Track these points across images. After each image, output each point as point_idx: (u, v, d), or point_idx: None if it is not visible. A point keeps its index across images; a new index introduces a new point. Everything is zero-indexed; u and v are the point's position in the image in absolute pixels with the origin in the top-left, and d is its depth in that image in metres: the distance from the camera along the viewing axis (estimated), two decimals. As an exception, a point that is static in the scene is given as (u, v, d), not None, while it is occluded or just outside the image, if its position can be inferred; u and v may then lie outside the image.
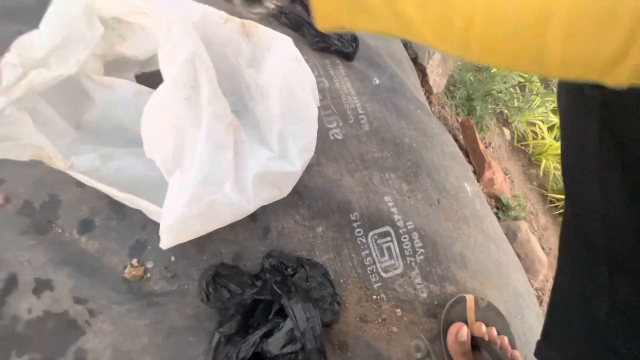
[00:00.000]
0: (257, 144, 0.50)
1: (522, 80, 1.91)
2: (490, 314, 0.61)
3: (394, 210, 0.64)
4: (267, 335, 0.45)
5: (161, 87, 0.43)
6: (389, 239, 0.62)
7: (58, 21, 0.43)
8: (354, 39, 0.75)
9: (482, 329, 0.56)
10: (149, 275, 0.49)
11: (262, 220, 0.57)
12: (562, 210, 1.85)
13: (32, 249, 0.48)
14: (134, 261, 0.49)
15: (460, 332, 0.56)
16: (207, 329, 0.47)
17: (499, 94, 1.67)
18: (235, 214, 0.48)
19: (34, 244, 0.48)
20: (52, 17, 0.43)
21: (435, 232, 0.66)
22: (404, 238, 0.63)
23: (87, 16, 0.44)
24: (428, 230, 0.65)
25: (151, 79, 0.56)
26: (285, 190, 0.53)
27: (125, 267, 0.49)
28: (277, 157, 0.50)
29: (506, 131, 1.93)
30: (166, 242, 0.45)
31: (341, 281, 0.58)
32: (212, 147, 0.44)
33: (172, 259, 0.51)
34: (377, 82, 0.74)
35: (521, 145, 1.94)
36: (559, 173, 1.86)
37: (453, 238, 0.67)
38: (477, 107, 1.62)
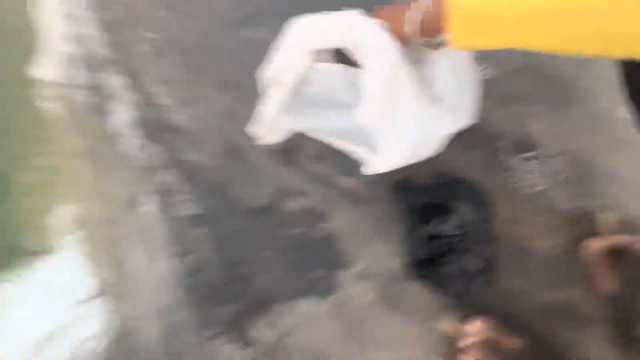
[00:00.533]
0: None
1: None
2: (628, 227, 0.69)
3: (543, 135, 0.74)
4: (441, 223, 0.68)
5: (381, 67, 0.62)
6: (537, 161, 0.75)
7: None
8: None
9: (618, 238, 0.66)
10: (357, 188, 0.78)
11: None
12: None
13: (293, 173, 0.82)
14: (348, 179, 0.79)
15: (595, 244, 0.67)
16: (396, 219, 0.74)
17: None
18: (427, 155, 0.67)
19: (293, 170, 0.82)
20: None
21: (584, 153, 0.74)
22: (553, 159, 0.74)
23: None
24: (579, 151, 0.74)
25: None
26: None
27: (343, 182, 0.79)
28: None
29: None
30: (370, 171, 0.70)
31: (491, 195, 0.75)
32: (416, 115, 0.62)
33: (369, 178, 0.78)
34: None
35: None
36: None
37: (605, 159, 0.74)
38: None
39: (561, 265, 0.70)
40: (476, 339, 0.64)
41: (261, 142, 0.74)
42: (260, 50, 0.95)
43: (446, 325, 0.69)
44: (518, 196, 0.75)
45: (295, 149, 0.83)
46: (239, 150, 0.90)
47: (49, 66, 1.49)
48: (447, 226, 0.67)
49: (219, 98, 0.96)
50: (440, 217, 0.68)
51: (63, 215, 1.45)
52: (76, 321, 1.36)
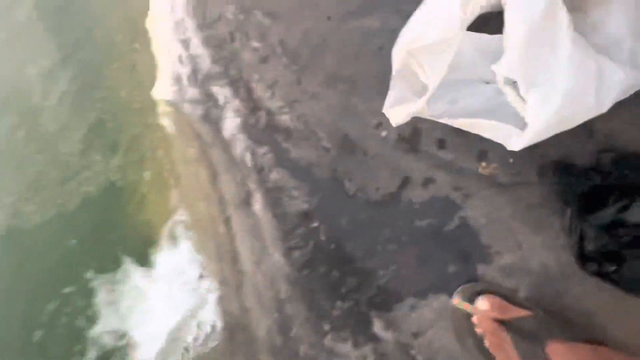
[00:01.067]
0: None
1: None
2: None
3: None
4: (623, 210, 0.56)
5: (528, 19, 0.55)
6: None
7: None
8: None
9: None
10: (497, 172, 0.70)
11: (587, 123, 0.66)
12: None
13: (416, 161, 0.77)
14: (484, 164, 0.71)
15: None
16: (556, 208, 0.64)
17: None
18: (592, 115, 0.55)
19: (415, 157, 0.77)
20: None
21: None
22: None
23: None
24: None
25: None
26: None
27: (477, 167, 0.71)
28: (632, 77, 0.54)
29: None
30: (522, 145, 0.60)
31: (686, 171, 0.60)
32: (573, 66, 0.52)
33: (511, 160, 0.69)
34: None
35: None
36: None
37: None
38: None
39: None
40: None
41: (394, 123, 0.70)
42: (365, 40, 0.94)
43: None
44: None
45: (418, 135, 0.78)
46: (353, 143, 0.89)
47: (168, 87, 1.71)
48: (634, 212, 0.55)
49: (326, 94, 0.96)
50: (621, 202, 0.56)
51: (183, 216, 1.63)
52: (195, 312, 1.51)
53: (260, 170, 1.21)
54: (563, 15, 0.52)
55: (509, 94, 0.63)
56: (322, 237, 0.97)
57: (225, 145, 1.42)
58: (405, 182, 0.78)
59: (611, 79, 0.52)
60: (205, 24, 1.49)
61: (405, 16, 0.85)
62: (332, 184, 0.96)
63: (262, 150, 1.20)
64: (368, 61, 0.86)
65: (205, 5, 1.44)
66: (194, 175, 1.66)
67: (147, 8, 1.87)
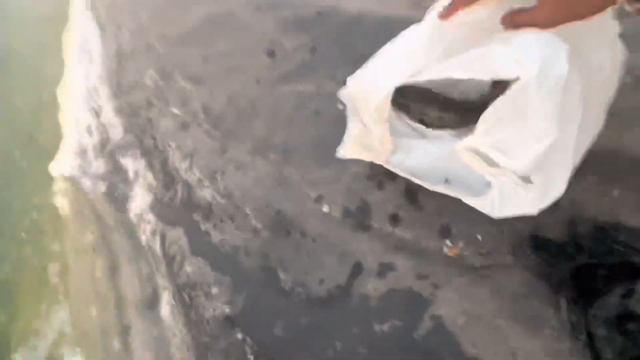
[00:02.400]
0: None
1: None
2: None
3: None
4: (626, 296, 0.44)
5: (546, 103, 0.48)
6: None
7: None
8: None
9: None
10: (465, 253, 0.56)
11: (550, 192, 0.58)
12: None
13: (368, 241, 0.61)
14: (447, 242, 0.57)
15: None
16: (543, 294, 0.50)
17: None
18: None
19: (367, 237, 0.62)
20: None
21: None
22: None
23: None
24: None
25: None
26: None
27: (442, 248, 0.57)
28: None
29: None
30: (502, 214, 0.50)
31: (664, 242, 0.53)
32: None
33: (479, 237, 0.57)
34: None
35: None
36: None
37: None
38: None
39: None
40: None
41: (341, 154, 0.59)
42: (299, 105, 0.84)
43: None
44: None
45: (367, 209, 0.64)
46: (288, 222, 0.71)
47: (70, 161, 1.41)
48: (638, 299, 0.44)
49: (255, 164, 0.81)
50: (621, 286, 0.46)
51: (65, 322, 1.19)
52: None
53: (171, 260, 0.94)
54: (576, 89, 0.47)
55: (468, 158, 0.55)
56: (249, 354, 0.70)
57: (131, 229, 1.12)
58: (357, 270, 0.61)
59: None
60: (120, 91, 1.31)
61: (341, 81, 0.79)
62: (262, 276, 0.74)
63: (176, 233, 0.95)
64: (303, 127, 0.74)
65: (122, 72, 1.30)
66: (88, 270, 1.28)
67: (61, 74, 1.66)
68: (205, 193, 0.91)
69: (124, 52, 1.29)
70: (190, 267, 0.87)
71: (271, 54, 0.83)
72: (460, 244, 0.57)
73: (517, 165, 0.45)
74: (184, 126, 1.00)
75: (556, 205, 0.57)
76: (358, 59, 0.77)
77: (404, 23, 0.78)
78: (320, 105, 0.74)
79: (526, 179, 0.46)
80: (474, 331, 0.50)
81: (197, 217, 0.95)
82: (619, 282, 0.45)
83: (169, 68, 1.08)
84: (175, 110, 1.05)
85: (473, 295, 0.51)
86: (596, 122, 0.48)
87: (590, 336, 0.43)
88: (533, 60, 0.43)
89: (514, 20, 0.44)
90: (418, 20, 0.72)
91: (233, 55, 0.88)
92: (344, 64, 0.77)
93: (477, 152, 0.51)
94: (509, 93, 0.46)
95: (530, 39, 0.45)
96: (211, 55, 0.93)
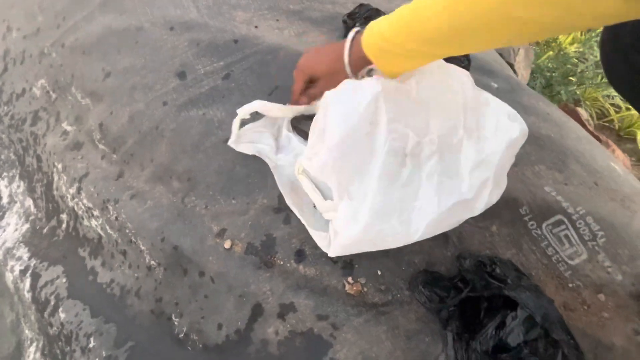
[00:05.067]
0: (447, 177, 0.52)
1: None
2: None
3: (559, 198, 0.65)
4: (500, 327, 0.47)
5: (347, 120, 0.51)
6: (563, 227, 0.63)
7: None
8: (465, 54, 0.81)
9: None
10: (365, 289, 0.56)
11: (442, 228, 0.62)
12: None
13: (269, 280, 0.57)
14: (349, 279, 0.56)
15: None
16: (434, 329, 0.51)
17: (582, 73, 1.62)
18: (401, 242, 0.51)
19: (269, 275, 0.57)
20: None
21: (607, 214, 0.65)
22: (579, 223, 0.63)
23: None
24: (600, 212, 0.64)
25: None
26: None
27: (343, 285, 0.56)
28: (461, 201, 0.51)
29: (581, 111, 1.83)
30: (335, 253, 0.53)
31: (533, 273, 0.59)
32: (384, 181, 0.49)
33: (379, 272, 0.57)
34: (496, 86, 0.79)
35: (604, 122, 1.81)
36: None
37: (627, 216, 0.66)
38: (562, 92, 1.58)
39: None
40: None
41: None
42: (208, 131, 0.78)
43: None
44: (563, 272, 0.60)
45: (271, 245, 0.60)
46: (187, 259, 0.64)
47: None
48: (511, 331, 0.47)
49: (154, 193, 0.72)
50: (495, 319, 0.49)
51: None
52: None
53: (43, 305, 0.77)
54: (383, 122, 0.50)
55: (305, 184, 0.57)
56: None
57: (-4, 267, 0.92)
58: (257, 312, 0.56)
59: (418, 214, 0.50)
60: (1, 99, 1.11)
61: (254, 112, 0.77)
62: (154, 322, 0.64)
63: (53, 272, 0.79)
64: (210, 156, 0.69)
65: (7, 78, 1.10)
66: None
67: None
68: (94, 224, 0.78)
69: (11, 56, 1.11)
70: (66, 314, 0.72)
71: (181, 75, 0.77)
72: (362, 280, 0.57)
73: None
74: (76, 146, 0.87)
75: (447, 240, 0.62)
76: (273, 90, 0.77)
77: (319, 60, 0.80)
78: (230, 133, 0.71)
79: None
80: (369, 373, 0.48)
81: (83, 252, 0.81)
82: (495, 315, 0.49)
83: (64, 80, 0.95)
84: (67, 127, 0.92)
85: (370, 335, 0.50)
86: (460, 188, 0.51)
87: (471, 371, 0.45)
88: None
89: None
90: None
91: (139, 72, 0.81)
92: (258, 93, 0.76)
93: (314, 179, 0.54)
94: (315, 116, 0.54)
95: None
96: (115, 71, 0.84)
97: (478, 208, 0.52)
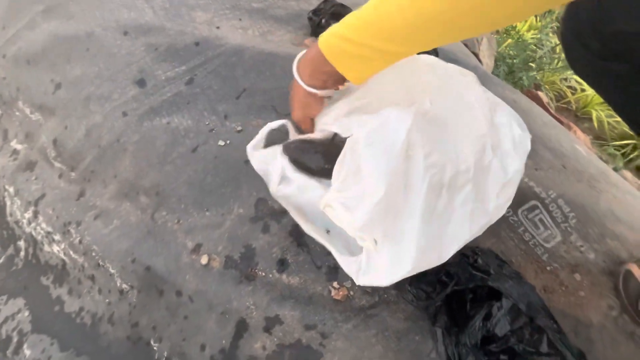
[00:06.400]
0: (478, 202, 0.50)
1: (556, 42, 1.92)
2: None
3: (531, 184, 0.67)
4: (486, 318, 0.48)
5: (387, 166, 0.47)
6: (537, 211, 0.65)
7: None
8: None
9: None
10: (352, 293, 0.54)
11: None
12: (632, 156, 1.79)
13: (252, 294, 0.54)
14: (335, 284, 0.55)
15: None
16: (423, 326, 0.51)
17: (540, 59, 1.69)
18: (432, 266, 0.49)
19: (251, 289, 0.55)
20: None
21: (576, 195, 0.67)
22: (552, 207, 0.65)
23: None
24: (569, 194, 0.67)
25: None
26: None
27: (329, 291, 0.55)
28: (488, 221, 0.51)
29: (542, 95, 1.92)
30: (365, 284, 0.48)
31: (512, 260, 0.60)
32: (426, 218, 0.47)
33: (364, 274, 0.56)
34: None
35: (562, 104, 1.91)
36: (613, 120, 1.83)
37: (594, 196, 0.69)
38: (524, 77, 1.64)
39: (630, 332, 0.55)
40: None
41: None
42: (174, 141, 0.74)
43: None
44: (540, 255, 0.62)
45: (251, 256, 0.57)
46: (161, 280, 0.60)
47: None
48: (498, 321, 0.48)
49: (120, 211, 0.67)
50: (481, 310, 0.49)
51: None
52: None
53: (5, 343, 0.71)
54: (420, 158, 0.48)
55: (335, 216, 0.53)
56: None
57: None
58: (241, 328, 0.54)
59: (452, 239, 0.49)
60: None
61: (222, 115, 0.73)
62: (131, 349, 0.60)
63: (13, 307, 0.73)
64: (178, 166, 0.66)
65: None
66: None
67: None
68: (57, 250, 0.72)
69: (-54, 71, 1.00)
70: (32, 350, 0.66)
71: (141, 83, 0.72)
72: (347, 284, 0.56)
73: (348, 223, 0.45)
74: (29, 166, 0.80)
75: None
76: (241, 93, 0.73)
77: (286, 59, 0.78)
78: (199, 141, 0.67)
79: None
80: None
81: (46, 281, 0.74)
82: (481, 306, 0.49)
83: (9, 94, 0.87)
84: (17, 146, 0.84)
85: (361, 340, 0.49)
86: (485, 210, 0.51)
87: (462, 365, 0.45)
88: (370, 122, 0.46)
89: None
90: (296, 55, 0.72)
91: (93, 82, 0.75)
92: (225, 97, 0.72)
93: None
94: (344, 149, 0.49)
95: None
96: (66, 81, 0.77)
97: (495, 220, 0.52)
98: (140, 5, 0.81)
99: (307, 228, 0.53)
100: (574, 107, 1.97)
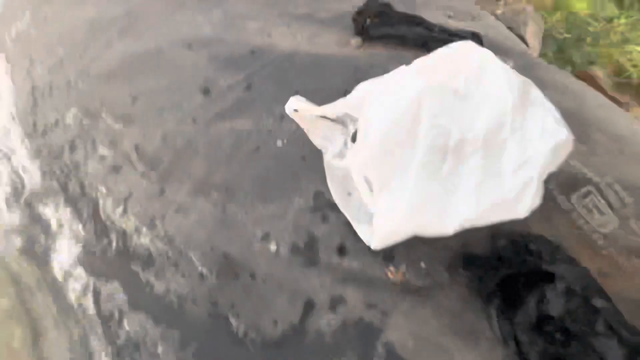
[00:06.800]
0: (489, 176, 0.52)
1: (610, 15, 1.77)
2: None
3: (585, 170, 0.67)
4: (540, 300, 0.51)
5: (389, 117, 0.53)
6: (591, 197, 0.65)
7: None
8: (474, 34, 0.82)
9: None
10: (407, 276, 0.59)
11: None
12: None
13: (317, 276, 0.62)
14: (391, 268, 0.60)
15: None
16: (477, 306, 0.55)
17: (595, 33, 1.58)
18: (437, 234, 0.53)
19: (316, 272, 0.62)
20: None
21: (635, 179, 0.66)
22: (607, 192, 0.65)
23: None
24: (628, 178, 0.66)
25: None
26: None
27: (386, 273, 0.60)
28: (502, 201, 0.51)
29: (597, 72, 1.79)
30: (377, 246, 0.55)
31: (565, 245, 0.61)
32: (423, 175, 0.51)
33: (418, 259, 0.61)
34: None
35: (623, 79, 1.77)
36: None
37: (653, 180, 0.67)
38: (575, 56, 1.55)
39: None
40: None
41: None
42: (238, 142, 0.83)
43: None
44: (596, 240, 0.62)
45: (315, 243, 0.64)
46: (236, 264, 0.69)
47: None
48: (552, 303, 0.50)
49: (196, 206, 0.78)
50: (535, 293, 0.52)
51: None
52: None
53: (108, 319, 0.85)
54: (426, 118, 0.52)
55: (355, 177, 0.60)
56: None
57: (56, 288, 1.00)
58: (309, 306, 0.61)
59: (455, 209, 0.51)
60: (36, 132, 1.19)
61: (279, 117, 0.80)
62: (213, 324, 0.70)
63: (111, 287, 0.87)
64: (243, 165, 0.74)
65: (38, 111, 1.17)
66: (4, 341, 1.10)
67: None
68: (144, 240, 0.84)
69: (39, 90, 1.17)
70: (131, 325, 0.79)
71: (206, 91, 0.81)
72: (403, 268, 0.60)
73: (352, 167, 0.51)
74: (115, 169, 0.93)
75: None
76: (294, 95, 0.80)
77: (333, 60, 0.83)
78: (259, 141, 0.75)
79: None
80: (423, 352, 0.53)
81: (136, 267, 0.87)
82: (535, 289, 0.52)
83: (94, 106, 1.01)
84: (104, 152, 0.98)
85: (418, 317, 0.55)
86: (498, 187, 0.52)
87: (517, 343, 0.48)
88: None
89: None
90: (346, 58, 0.78)
91: (164, 93, 0.85)
92: (280, 100, 0.79)
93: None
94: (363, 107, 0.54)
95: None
96: (141, 93, 0.89)
97: (522, 210, 0.51)
98: (200, 20, 0.90)
99: (335, 197, 0.61)
100: (636, 79, 1.82)
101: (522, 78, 0.58)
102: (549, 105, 0.57)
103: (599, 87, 1.19)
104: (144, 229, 0.83)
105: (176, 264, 0.79)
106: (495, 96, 0.55)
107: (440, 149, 0.52)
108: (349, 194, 0.64)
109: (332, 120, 0.68)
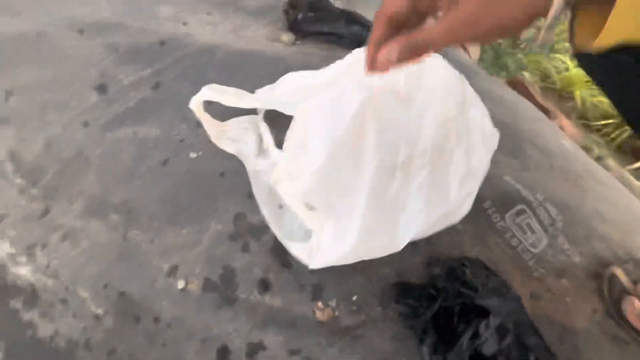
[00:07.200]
0: (436, 189, 0.49)
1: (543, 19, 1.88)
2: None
3: (518, 187, 0.65)
4: (474, 337, 0.47)
5: (332, 136, 0.45)
6: (525, 215, 0.63)
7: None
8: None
9: None
10: (337, 313, 0.53)
11: (409, 233, 0.60)
12: (613, 135, 1.82)
13: (233, 319, 0.52)
14: (319, 304, 0.53)
15: (636, 305, 0.56)
16: (411, 346, 0.50)
17: (528, 40, 1.66)
18: (387, 252, 0.49)
19: (232, 314, 0.52)
20: None
21: (563, 196, 0.66)
22: (539, 210, 0.64)
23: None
24: (556, 195, 0.66)
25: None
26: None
27: (314, 311, 0.53)
28: (448, 212, 0.49)
29: (526, 75, 1.90)
30: (317, 266, 0.49)
31: (500, 268, 0.59)
32: (373, 197, 0.45)
33: (349, 291, 0.54)
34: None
35: (547, 84, 1.91)
36: (595, 99, 1.85)
37: (580, 196, 0.68)
38: (509, 62, 1.61)
39: (613, 335, 0.56)
40: None
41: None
42: (142, 153, 0.68)
43: None
44: (528, 261, 0.61)
45: (231, 278, 0.55)
46: (137, 305, 0.57)
47: None
48: (485, 340, 0.47)
49: (89, 230, 0.63)
50: (468, 329, 0.48)
51: None
52: None
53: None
54: (372, 134, 0.46)
55: (284, 194, 0.53)
56: None
57: None
58: (223, 356, 0.52)
59: (405, 226, 0.47)
60: None
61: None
62: (109, 379, 0.58)
63: (-18, 332, 0.69)
64: (148, 181, 0.61)
65: None
66: None
67: None
68: (24, 272, 0.68)
69: None
70: (5, 382, 0.63)
71: (101, 89, 0.66)
72: (332, 303, 0.54)
73: (293, 194, 0.45)
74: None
75: (415, 246, 0.60)
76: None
77: (262, 58, 0.72)
78: (169, 152, 0.62)
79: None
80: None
81: (15, 304, 0.70)
82: (469, 324, 0.48)
83: (-44, 100, 0.79)
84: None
85: (345, 363, 0.48)
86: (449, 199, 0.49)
87: (450, 387, 0.45)
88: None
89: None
90: (276, 56, 0.68)
91: (48, 88, 0.68)
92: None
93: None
94: (293, 119, 0.47)
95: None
96: (17, 88, 0.70)
97: (459, 217, 0.50)
98: (96, -1, 0.73)
99: (264, 211, 0.54)
100: (558, 86, 1.97)
101: (456, 73, 0.54)
102: (482, 104, 0.55)
103: (529, 94, 1.23)
104: (22, 259, 0.66)
105: (65, 302, 0.64)
106: (438, 98, 0.52)
107: (389, 167, 0.46)
108: (280, 206, 0.56)
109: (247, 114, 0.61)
